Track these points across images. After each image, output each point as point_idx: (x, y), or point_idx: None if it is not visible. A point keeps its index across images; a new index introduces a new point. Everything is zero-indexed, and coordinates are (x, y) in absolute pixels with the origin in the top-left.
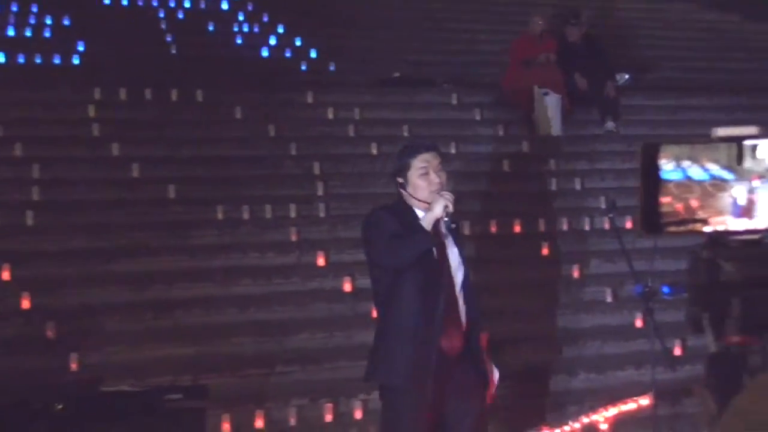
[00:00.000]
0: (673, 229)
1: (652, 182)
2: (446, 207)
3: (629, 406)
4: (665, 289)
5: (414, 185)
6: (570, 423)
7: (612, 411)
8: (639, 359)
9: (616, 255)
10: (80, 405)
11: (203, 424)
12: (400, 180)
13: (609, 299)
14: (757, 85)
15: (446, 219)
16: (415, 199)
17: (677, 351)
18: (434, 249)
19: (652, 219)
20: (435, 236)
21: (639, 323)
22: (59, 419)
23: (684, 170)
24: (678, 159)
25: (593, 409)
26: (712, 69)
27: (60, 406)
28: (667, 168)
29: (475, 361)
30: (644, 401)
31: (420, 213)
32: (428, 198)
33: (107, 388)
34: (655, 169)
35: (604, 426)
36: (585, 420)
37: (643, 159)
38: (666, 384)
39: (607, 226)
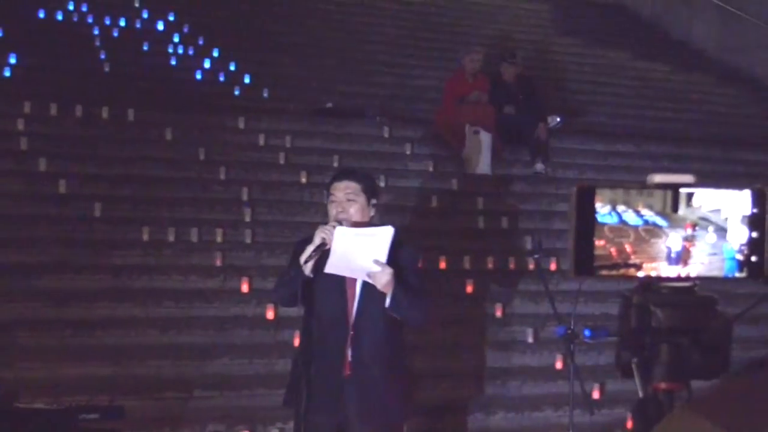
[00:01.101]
0: (605, 272)
1: (586, 224)
2: (323, 239)
3: None
4: (587, 333)
5: (328, 211)
6: None
7: None
8: (557, 401)
9: (539, 296)
10: None
11: None
12: (328, 209)
13: (530, 339)
14: (682, 135)
15: (323, 248)
16: None
17: (596, 394)
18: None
19: (583, 261)
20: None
21: (559, 365)
22: None
23: (619, 214)
24: (613, 203)
25: None
26: (640, 117)
27: None
28: (603, 211)
29: (368, 389)
30: None
31: None
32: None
33: (21, 405)
34: (590, 211)
35: None
36: None
37: (578, 200)
38: (583, 427)
39: (531, 266)
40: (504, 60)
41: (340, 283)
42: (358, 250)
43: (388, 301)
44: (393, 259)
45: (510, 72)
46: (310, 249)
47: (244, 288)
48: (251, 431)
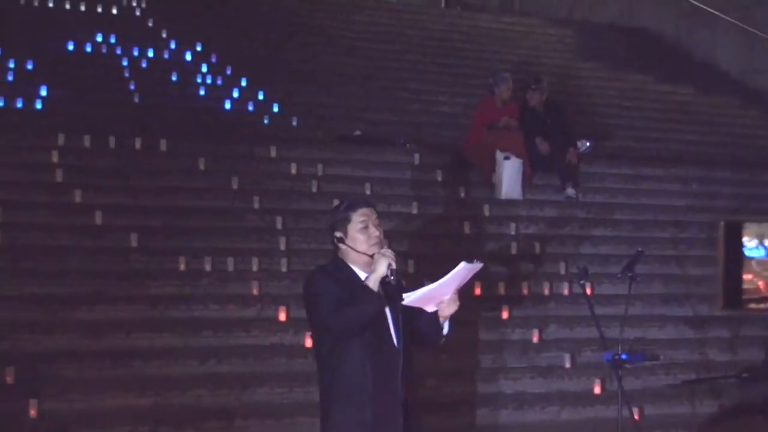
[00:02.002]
0: (753, 305)
1: (734, 258)
2: (390, 265)
3: None
4: (623, 357)
5: (353, 239)
6: None
7: None
8: (597, 426)
9: (574, 321)
10: None
11: None
12: (339, 234)
13: (568, 365)
14: (709, 158)
15: (392, 277)
16: (354, 251)
17: (636, 417)
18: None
19: (732, 295)
20: (381, 296)
21: (597, 390)
22: None
23: (766, 248)
24: (760, 237)
25: None
26: (665, 140)
27: None
28: (750, 245)
29: (414, 413)
30: None
31: (359, 271)
32: (368, 251)
33: None
34: (737, 245)
35: None
36: None
37: (726, 235)
38: None
39: (566, 291)
40: (529, 87)
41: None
42: (453, 283)
43: (446, 327)
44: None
45: (536, 98)
46: (376, 276)
47: (282, 317)
48: None
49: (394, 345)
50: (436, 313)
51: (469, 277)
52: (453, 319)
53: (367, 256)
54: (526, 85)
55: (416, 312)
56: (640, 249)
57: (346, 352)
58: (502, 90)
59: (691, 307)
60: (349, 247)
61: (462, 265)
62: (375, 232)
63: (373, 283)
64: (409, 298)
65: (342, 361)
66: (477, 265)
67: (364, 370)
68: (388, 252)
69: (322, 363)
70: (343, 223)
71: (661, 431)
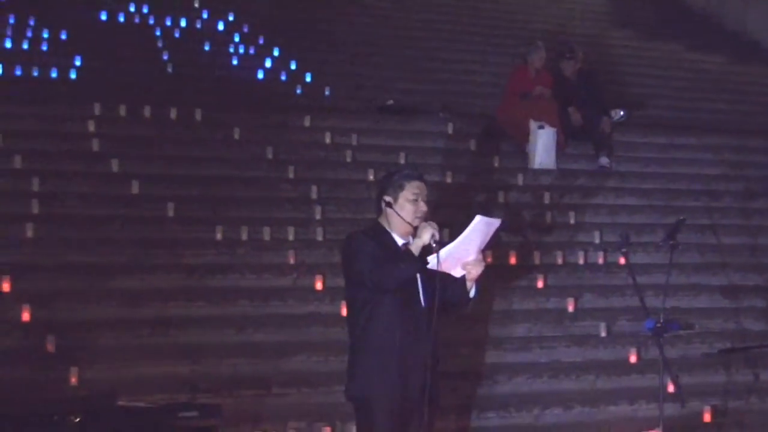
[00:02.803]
0: None
1: None
2: (433, 235)
3: None
4: (648, 324)
5: (402, 207)
6: None
7: None
8: (632, 395)
9: (609, 290)
10: (97, 418)
11: None
12: (388, 199)
13: (603, 334)
14: (741, 127)
15: (435, 245)
16: (398, 218)
17: (670, 388)
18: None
19: None
20: (419, 261)
21: (633, 359)
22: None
23: None
24: None
25: None
26: (697, 109)
27: (77, 419)
28: None
29: (436, 375)
30: None
31: (397, 238)
32: (413, 222)
33: (123, 403)
34: None
35: None
36: None
37: None
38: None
39: (600, 260)
40: (563, 56)
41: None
42: (476, 239)
43: (473, 290)
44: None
45: (570, 67)
46: (419, 242)
47: (318, 285)
48: (332, 428)
49: (422, 308)
50: (464, 277)
51: (491, 234)
52: (480, 283)
53: (410, 226)
54: (559, 54)
55: (447, 281)
56: (682, 217)
57: (378, 309)
58: (535, 59)
59: (726, 276)
60: (397, 213)
61: (478, 218)
62: (423, 207)
63: (416, 249)
64: (433, 261)
65: (373, 317)
66: (495, 221)
67: (392, 328)
68: (434, 224)
69: (354, 318)
70: (396, 189)
71: (697, 400)
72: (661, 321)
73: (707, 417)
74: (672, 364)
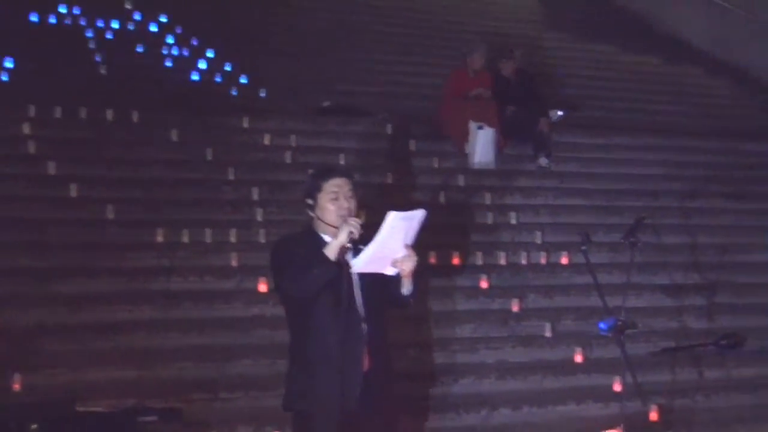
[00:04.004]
0: None
1: None
2: (351, 233)
3: None
4: (602, 326)
5: (323, 208)
6: None
7: None
8: (580, 394)
9: (553, 290)
10: (55, 425)
11: None
12: (310, 202)
13: (548, 334)
14: (678, 127)
15: (351, 245)
16: (323, 222)
17: (617, 387)
18: (344, 275)
19: None
20: (340, 264)
21: (578, 358)
22: None
23: None
24: None
25: None
26: (634, 110)
27: (34, 426)
28: None
29: (381, 380)
30: None
31: (327, 239)
32: (335, 222)
33: (81, 408)
34: None
35: None
36: None
37: None
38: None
39: (543, 260)
40: (501, 56)
41: (344, 276)
42: (397, 235)
43: (408, 288)
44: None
45: (508, 67)
46: (336, 243)
47: (262, 288)
48: (280, 431)
49: (359, 313)
50: (399, 275)
51: (416, 227)
52: (418, 280)
53: (335, 227)
54: (497, 55)
55: (387, 279)
56: (642, 215)
57: (311, 317)
58: (475, 59)
59: (667, 275)
60: (318, 217)
61: (391, 215)
62: (345, 204)
63: (332, 251)
64: (357, 265)
65: (305, 325)
66: (416, 213)
67: (326, 336)
68: (353, 221)
69: (289, 327)
70: (315, 191)
71: (641, 399)
72: (622, 319)
73: (654, 416)
74: (617, 364)
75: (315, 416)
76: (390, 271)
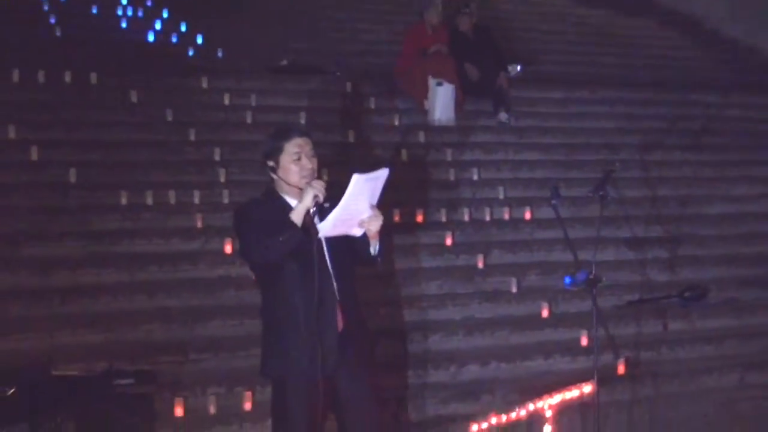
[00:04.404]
0: None
1: None
2: (316, 197)
3: (572, 393)
4: (567, 280)
5: (285, 169)
6: (516, 410)
7: (556, 398)
8: (547, 349)
9: (517, 245)
10: (33, 389)
11: (153, 409)
12: (271, 164)
13: (514, 289)
14: (631, 80)
15: (315, 208)
16: (286, 184)
17: (584, 341)
18: (313, 238)
19: None
20: (306, 227)
21: (545, 313)
22: (11, 403)
23: None
24: None
25: (505, 398)
26: (587, 63)
27: (11, 390)
28: None
29: (357, 339)
30: (587, 388)
31: (291, 201)
32: (299, 183)
33: (58, 372)
34: None
35: (548, 413)
36: (530, 407)
37: None
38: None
39: (506, 216)
40: (458, 11)
41: (312, 240)
42: (362, 198)
43: (374, 248)
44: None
45: (466, 22)
46: (301, 207)
47: (227, 249)
48: (252, 392)
49: (329, 275)
50: (365, 235)
51: (380, 187)
52: (383, 239)
53: (299, 188)
54: (454, 11)
55: (354, 238)
56: (611, 168)
57: (276, 283)
58: (431, 15)
59: (629, 228)
60: (280, 178)
61: (355, 178)
62: (308, 164)
63: (297, 215)
64: (324, 229)
65: (274, 290)
66: (380, 172)
67: (294, 300)
68: (317, 184)
69: (260, 292)
70: (276, 153)
71: (610, 352)
72: (593, 273)
73: (621, 369)
74: (583, 317)
75: (289, 380)
76: (357, 231)
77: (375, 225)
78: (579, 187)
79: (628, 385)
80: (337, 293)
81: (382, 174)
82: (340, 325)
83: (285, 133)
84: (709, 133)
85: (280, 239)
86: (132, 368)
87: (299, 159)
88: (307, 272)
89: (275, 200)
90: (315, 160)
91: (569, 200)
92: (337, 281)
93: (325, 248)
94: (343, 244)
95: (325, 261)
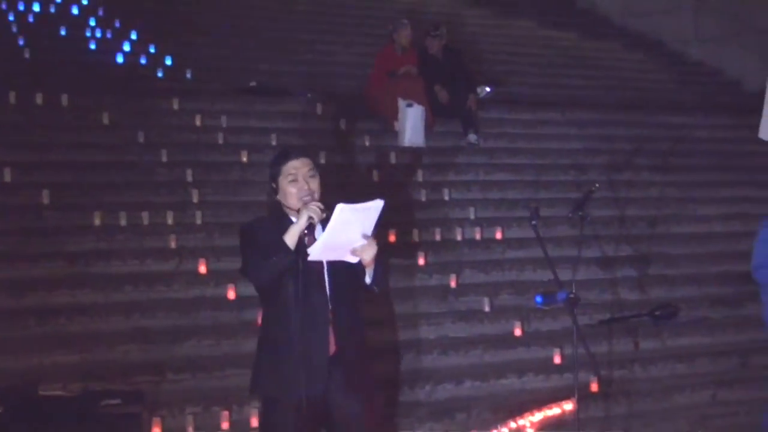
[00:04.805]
0: None
1: None
2: (311, 218)
3: (554, 411)
4: (539, 299)
5: (283, 191)
6: (498, 428)
7: (537, 416)
8: (520, 367)
9: (488, 265)
10: (20, 409)
11: (140, 428)
12: (273, 185)
13: (487, 308)
14: (599, 101)
15: (306, 232)
16: (286, 206)
17: (557, 359)
18: (303, 260)
19: None
20: (298, 250)
21: (518, 332)
22: None
23: None
24: None
25: (480, 416)
26: (556, 85)
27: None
28: None
29: (351, 364)
30: (568, 406)
31: (295, 219)
32: (296, 205)
33: (45, 393)
34: None
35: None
36: (512, 425)
37: None
38: (547, 391)
39: (477, 236)
40: (428, 34)
41: (311, 263)
42: (352, 227)
43: (370, 276)
44: None
45: (435, 45)
46: (295, 229)
47: (202, 269)
48: (229, 412)
49: (325, 297)
50: (361, 262)
51: (375, 218)
52: (379, 268)
53: (296, 209)
54: (424, 33)
55: (355, 265)
56: (591, 188)
57: (274, 301)
58: (401, 37)
59: (599, 248)
60: (281, 201)
61: (339, 208)
62: (304, 186)
63: (290, 237)
64: (313, 253)
65: (270, 310)
66: (372, 204)
67: (288, 321)
68: (314, 205)
69: (262, 311)
70: (276, 175)
71: (583, 371)
72: (573, 292)
73: (594, 387)
74: (556, 336)
75: (279, 400)
76: (352, 258)
77: (368, 254)
78: (548, 208)
79: (602, 404)
80: (330, 316)
81: (375, 205)
82: (332, 347)
83: (282, 155)
84: (676, 154)
85: (272, 260)
86: (120, 388)
87: (296, 180)
88: (305, 293)
89: (281, 219)
90: (315, 181)
91: (540, 220)
92: (333, 304)
93: (325, 271)
94: (344, 268)
95: (324, 284)
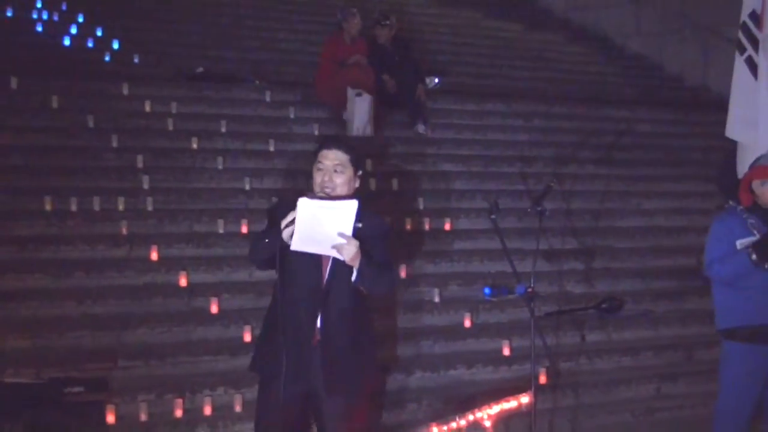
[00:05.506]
0: None
1: None
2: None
3: (510, 403)
4: (487, 291)
5: (313, 176)
6: (456, 420)
7: (495, 408)
8: (469, 359)
9: (438, 256)
10: None
11: (103, 416)
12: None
13: (437, 299)
14: (544, 93)
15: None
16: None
17: (506, 351)
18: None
19: None
20: (276, 236)
21: (467, 323)
22: None
23: None
24: None
25: (431, 406)
26: (500, 75)
27: None
28: None
29: (342, 361)
30: (524, 399)
31: None
32: (316, 192)
33: (7, 380)
34: None
35: (487, 423)
36: (470, 417)
37: None
38: (496, 382)
39: (426, 227)
40: (378, 23)
41: (314, 254)
42: (323, 224)
43: (354, 275)
44: (360, 231)
45: (384, 34)
46: (289, 217)
47: (153, 256)
48: (183, 399)
49: (320, 291)
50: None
51: (351, 218)
52: (371, 269)
53: None
54: (373, 22)
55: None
56: (550, 183)
57: (277, 287)
58: (351, 26)
59: (545, 240)
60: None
61: (300, 202)
62: (326, 177)
63: (284, 224)
64: (294, 243)
65: (275, 294)
66: (343, 203)
67: (283, 306)
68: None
69: None
70: (314, 159)
71: (529, 362)
72: (532, 286)
73: (542, 378)
74: (503, 328)
75: (266, 384)
76: (337, 255)
77: (346, 253)
78: (497, 199)
79: (550, 395)
80: (321, 311)
81: (347, 205)
82: (315, 339)
83: (320, 142)
84: (619, 147)
85: (263, 242)
86: (83, 376)
87: (321, 170)
88: (304, 283)
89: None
90: (341, 177)
91: (486, 212)
92: (329, 299)
93: (329, 266)
94: (345, 264)
95: (321, 278)
